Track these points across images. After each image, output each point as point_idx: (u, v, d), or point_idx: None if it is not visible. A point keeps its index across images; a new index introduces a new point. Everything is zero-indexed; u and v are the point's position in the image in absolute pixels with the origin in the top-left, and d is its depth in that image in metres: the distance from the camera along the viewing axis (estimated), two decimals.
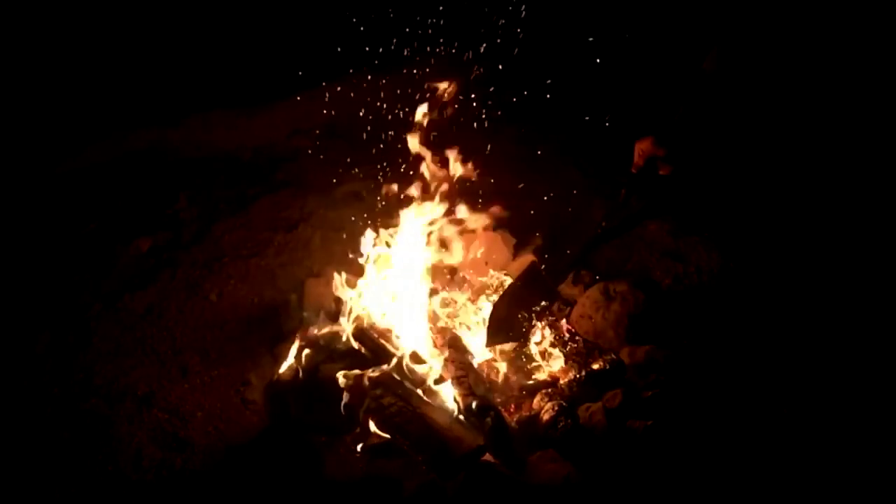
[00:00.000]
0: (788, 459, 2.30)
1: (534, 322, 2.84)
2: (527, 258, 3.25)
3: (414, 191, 3.05)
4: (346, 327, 2.80)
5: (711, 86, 2.39)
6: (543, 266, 2.94)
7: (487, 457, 2.37)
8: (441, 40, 4.05)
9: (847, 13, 2.64)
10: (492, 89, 3.80)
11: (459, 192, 3.12)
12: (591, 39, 4.14)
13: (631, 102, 4.18)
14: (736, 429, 2.42)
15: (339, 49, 4.16)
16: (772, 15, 2.40)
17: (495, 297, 3.07)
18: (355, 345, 2.70)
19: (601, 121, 4.01)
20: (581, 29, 4.24)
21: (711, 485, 2.23)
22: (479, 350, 2.82)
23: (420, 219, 3.01)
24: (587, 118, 4.09)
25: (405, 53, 4.07)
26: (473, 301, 3.07)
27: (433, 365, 2.66)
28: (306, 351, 2.77)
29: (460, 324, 2.93)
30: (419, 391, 2.55)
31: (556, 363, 2.80)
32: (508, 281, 3.06)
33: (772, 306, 2.98)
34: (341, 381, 2.55)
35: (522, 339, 2.82)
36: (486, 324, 2.76)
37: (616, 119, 3.99)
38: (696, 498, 2.21)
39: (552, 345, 2.86)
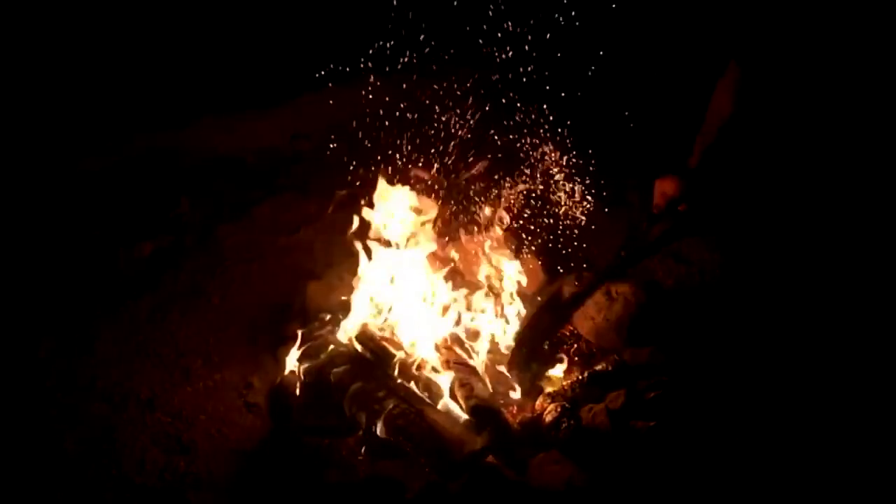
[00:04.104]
0: (789, 459, 2.30)
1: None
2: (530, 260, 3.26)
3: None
4: (348, 330, 2.81)
5: (729, 124, 2.39)
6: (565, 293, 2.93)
7: (490, 458, 2.37)
8: (441, 42, 4.06)
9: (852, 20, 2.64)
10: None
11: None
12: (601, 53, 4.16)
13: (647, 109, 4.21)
14: (738, 429, 2.41)
15: (339, 52, 4.17)
16: (782, 40, 2.39)
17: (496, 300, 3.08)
18: (358, 347, 2.70)
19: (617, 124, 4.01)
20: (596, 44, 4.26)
21: (713, 485, 2.22)
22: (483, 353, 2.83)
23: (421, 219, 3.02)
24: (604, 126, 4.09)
25: (406, 56, 4.09)
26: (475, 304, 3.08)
27: (436, 367, 2.67)
28: (309, 354, 2.78)
29: (465, 326, 2.94)
30: (422, 393, 2.55)
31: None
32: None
33: (774, 307, 2.97)
34: (344, 383, 2.56)
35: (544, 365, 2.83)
36: (511, 353, 2.77)
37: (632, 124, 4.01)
38: (699, 498, 2.21)
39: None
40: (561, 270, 3.34)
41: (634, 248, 2.77)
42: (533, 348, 2.77)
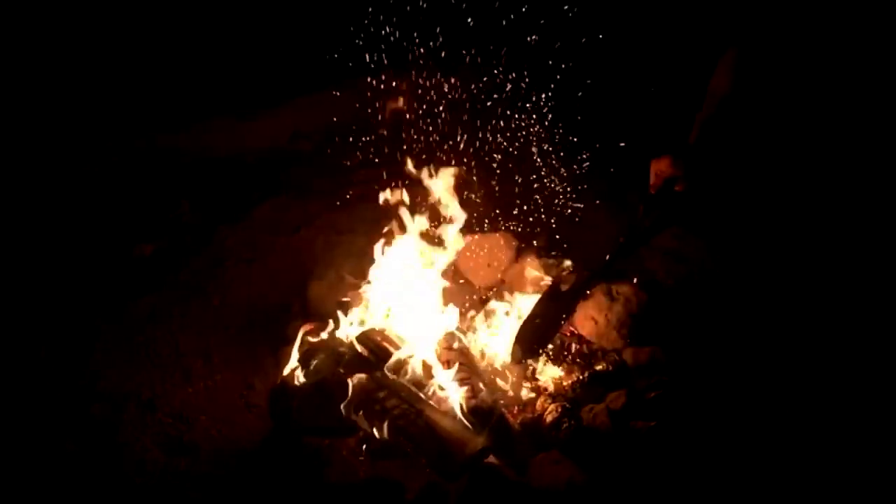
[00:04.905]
0: (789, 459, 2.30)
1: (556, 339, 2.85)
2: (529, 260, 3.26)
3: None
4: (349, 330, 2.81)
5: (727, 101, 2.38)
6: (564, 284, 2.91)
7: (491, 458, 2.37)
8: (442, 42, 4.07)
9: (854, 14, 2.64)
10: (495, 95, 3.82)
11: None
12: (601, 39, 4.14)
13: (643, 111, 4.20)
14: (738, 429, 2.41)
15: (338, 53, 4.18)
16: (782, 22, 2.39)
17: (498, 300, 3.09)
18: (359, 348, 2.70)
19: (613, 128, 4.01)
20: (592, 36, 4.25)
21: (714, 485, 2.22)
22: (483, 353, 2.83)
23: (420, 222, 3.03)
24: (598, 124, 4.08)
25: (405, 56, 4.10)
26: (478, 305, 3.08)
27: (437, 368, 2.66)
28: (309, 354, 2.77)
29: (466, 327, 2.93)
30: (422, 394, 2.55)
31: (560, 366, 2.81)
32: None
33: (774, 306, 2.98)
34: (345, 384, 2.56)
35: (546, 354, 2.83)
36: (512, 342, 2.76)
37: (627, 127, 4.00)
38: (699, 498, 2.21)
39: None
40: (559, 263, 3.33)
41: (633, 232, 2.74)
42: (536, 342, 2.76)
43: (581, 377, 2.70)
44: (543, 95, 4.00)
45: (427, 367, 2.65)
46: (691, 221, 3.43)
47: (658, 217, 2.64)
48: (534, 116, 4.03)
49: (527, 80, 4.01)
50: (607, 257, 2.74)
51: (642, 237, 2.74)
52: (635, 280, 3.04)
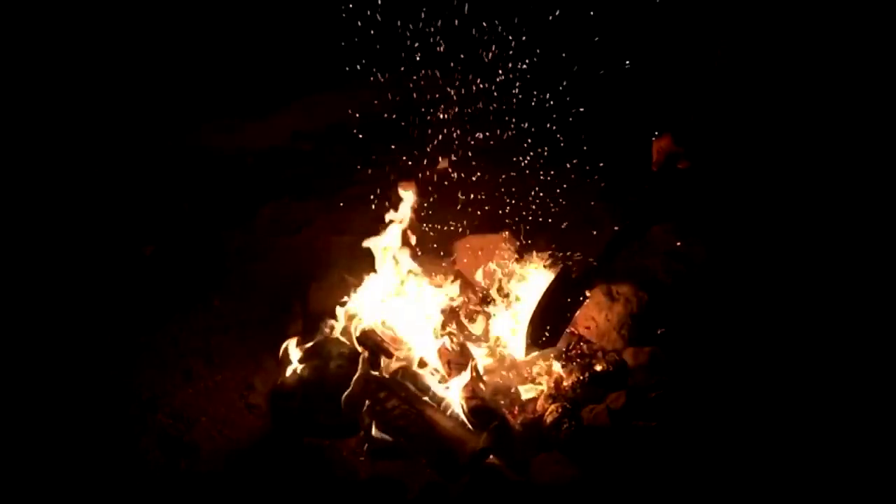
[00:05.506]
0: (789, 459, 2.30)
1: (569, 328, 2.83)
2: (530, 259, 3.26)
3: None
4: (350, 330, 2.81)
5: (723, 78, 2.38)
6: (573, 271, 2.88)
7: (491, 459, 2.37)
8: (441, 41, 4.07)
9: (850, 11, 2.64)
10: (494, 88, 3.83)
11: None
12: (596, 38, 4.14)
13: (639, 102, 4.19)
14: (738, 429, 2.41)
15: (339, 54, 4.18)
16: (777, 11, 2.40)
17: (499, 299, 3.08)
18: (359, 348, 2.70)
19: (609, 122, 4.00)
20: (586, 28, 4.23)
21: (715, 485, 2.22)
22: (483, 353, 2.83)
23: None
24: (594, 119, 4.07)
25: (405, 58, 4.10)
26: (478, 303, 3.08)
27: (437, 367, 2.66)
28: (310, 355, 2.78)
29: (465, 326, 2.93)
30: (423, 394, 2.55)
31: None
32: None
33: (773, 306, 2.97)
34: (344, 384, 2.56)
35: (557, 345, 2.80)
36: (525, 334, 2.73)
37: (623, 120, 3.99)
38: (700, 498, 2.21)
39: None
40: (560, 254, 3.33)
41: (638, 213, 2.72)
42: (545, 332, 2.73)
43: (581, 377, 2.70)
44: (532, 84, 4.00)
45: (427, 367, 2.65)
46: (693, 203, 3.40)
47: (662, 197, 2.63)
48: (531, 116, 4.04)
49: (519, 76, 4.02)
50: (612, 239, 2.72)
51: (647, 219, 2.73)
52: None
